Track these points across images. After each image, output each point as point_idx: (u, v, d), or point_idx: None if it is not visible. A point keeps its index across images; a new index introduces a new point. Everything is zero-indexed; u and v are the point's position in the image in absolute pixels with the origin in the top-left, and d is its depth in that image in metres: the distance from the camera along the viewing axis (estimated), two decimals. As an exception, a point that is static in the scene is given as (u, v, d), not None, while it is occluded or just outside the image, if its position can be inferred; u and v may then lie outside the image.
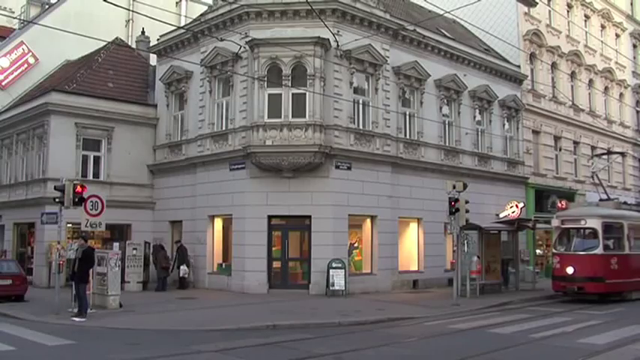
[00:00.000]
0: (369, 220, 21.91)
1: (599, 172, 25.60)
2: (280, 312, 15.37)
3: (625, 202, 24.66)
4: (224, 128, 21.88)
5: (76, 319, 13.88)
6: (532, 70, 31.01)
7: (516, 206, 24.67)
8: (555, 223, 20.19)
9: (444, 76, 24.88)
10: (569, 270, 18.73)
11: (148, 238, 23.27)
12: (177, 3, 35.67)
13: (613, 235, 19.81)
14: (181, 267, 21.70)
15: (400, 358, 10.33)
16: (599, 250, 18.94)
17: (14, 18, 33.96)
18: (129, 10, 29.87)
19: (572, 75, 33.88)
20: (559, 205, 22.30)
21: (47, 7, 33.08)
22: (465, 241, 20.52)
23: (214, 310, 16.08)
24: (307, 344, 11.16)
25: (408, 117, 23.59)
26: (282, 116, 19.98)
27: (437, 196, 21.83)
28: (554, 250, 20.38)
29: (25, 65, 29.38)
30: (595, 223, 19.19)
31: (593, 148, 35.02)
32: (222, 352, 10.39)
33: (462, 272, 19.14)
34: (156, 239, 23.55)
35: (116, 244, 20.93)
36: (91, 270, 15.15)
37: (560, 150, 32.30)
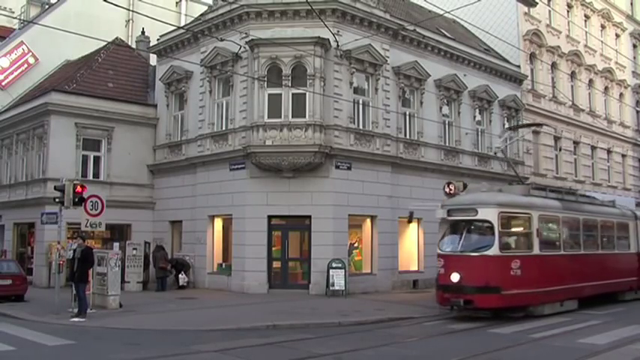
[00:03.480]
0: (369, 220, 21.91)
1: (505, 147, 22.08)
2: (280, 312, 15.37)
3: (575, 193, 19.05)
4: (224, 128, 21.88)
5: (76, 319, 13.87)
6: (532, 70, 31.01)
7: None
8: (440, 214, 15.41)
9: (444, 76, 24.88)
10: (454, 277, 14.09)
11: (148, 238, 23.28)
12: (177, 3, 35.67)
13: (516, 231, 15.26)
14: (180, 275, 21.71)
15: (400, 358, 10.33)
16: (494, 250, 14.14)
17: (14, 18, 33.98)
18: (129, 10, 29.88)
19: (572, 75, 33.88)
20: (447, 189, 16.31)
21: (47, 7, 33.10)
22: None
23: (214, 310, 16.08)
24: (307, 344, 11.16)
25: (408, 117, 23.58)
26: (282, 116, 19.98)
27: (437, 196, 21.67)
28: (438, 251, 15.34)
29: (25, 65, 29.38)
30: (490, 214, 14.41)
31: (593, 148, 35.05)
32: (222, 352, 10.39)
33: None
34: (156, 239, 23.57)
35: (116, 244, 20.94)
36: (91, 270, 15.11)
37: (560, 150, 32.29)
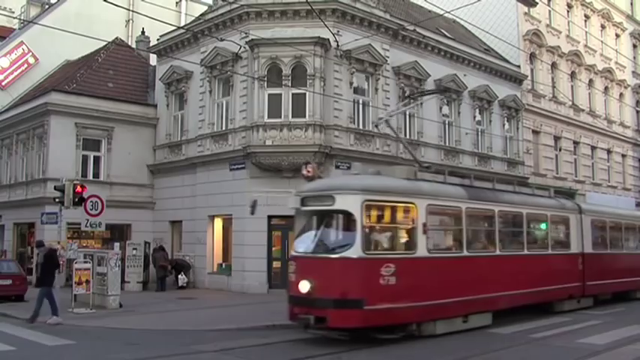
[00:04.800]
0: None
1: (390, 118, 17.77)
2: (280, 312, 15.27)
3: (493, 180, 15.43)
4: (224, 128, 21.89)
5: (51, 321, 13.32)
6: (532, 70, 31.02)
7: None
8: (292, 202, 11.95)
9: (444, 76, 24.89)
10: (303, 287, 10.77)
11: (148, 238, 23.29)
12: (177, 3, 35.68)
13: (391, 225, 11.77)
14: (179, 276, 21.71)
15: (401, 357, 10.33)
16: (355, 251, 10.71)
17: (14, 18, 33.99)
18: (129, 10, 29.89)
19: (572, 75, 33.88)
20: (305, 170, 13.50)
21: (47, 7, 33.11)
22: None
23: (214, 310, 16.08)
24: (307, 344, 11.15)
25: (408, 117, 23.58)
26: (282, 116, 19.99)
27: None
28: (292, 252, 12.08)
29: (25, 65, 29.40)
30: (350, 202, 10.96)
31: (593, 148, 35.05)
32: (222, 352, 10.39)
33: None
34: (156, 240, 23.57)
35: (116, 244, 20.95)
36: (56, 272, 14.53)
37: (560, 150, 32.30)
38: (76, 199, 15.24)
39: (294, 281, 11.19)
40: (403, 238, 11.82)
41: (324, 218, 11.56)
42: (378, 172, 12.28)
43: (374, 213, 11.38)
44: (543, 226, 15.79)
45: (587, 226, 17.13)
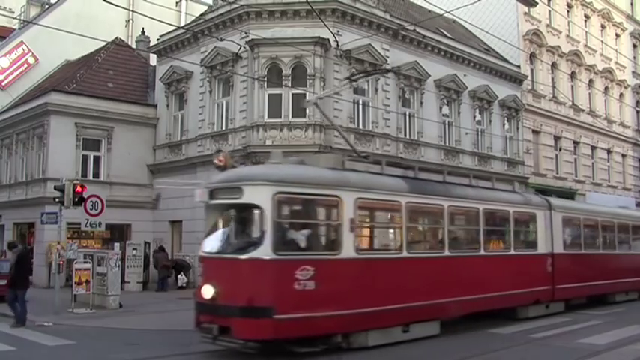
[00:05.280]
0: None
1: (319, 100, 16.33)
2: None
3: (444, 172, 13.55)
4: (224, 128, 21.89)
5: (15, 328, 12.86)
6: (532, 70, 31.02)
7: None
8: (200, 196, 10.56)
9: (444, 76, 24.90)
10: (207, 291, 9.55)
11: (148, 238, 23.29)
12: (177, 3, 35.69)
13: (310, 222, 10.17)
14: (179, 276, 21.70)
15: (401, 357, 10.32)
16: (264, 251, 9.28)
17: (14, 18, 34.00)
18: (129, 10, 29.89)
19: (572, 75, 33.89)
20: (217, 160, 12.41)
21: (47, 7, 33.11)
22: None
23: (214, 310, 16.04)
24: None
25: (408, 117, 23.60)
26: (282, 116, 19.99)
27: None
28: (200, 252, 10.65)
29: (25, 65, 29.40)
30: (259, 195, 9.51)
31: (593, 148, 35.05)
32: (221, 352, 10.37)
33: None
34: (156, 240, 23.57)
35: (116, 244, 20.94)
36: (29, 275, 14.18)
37: (560, 150, 32.30)
38: (76, 199, 15.23)
39: (200, 285, 9.97)
40: (325, 236, 10.38)
41: (232, 213, 10.36)
42: (301, 161, 10.68)
43: (289, 207, 9.99)
44: (505, 223, 14.14)
45: (558, 224, 15.61)
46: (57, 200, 15.54)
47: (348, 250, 10.07)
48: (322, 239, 10.36)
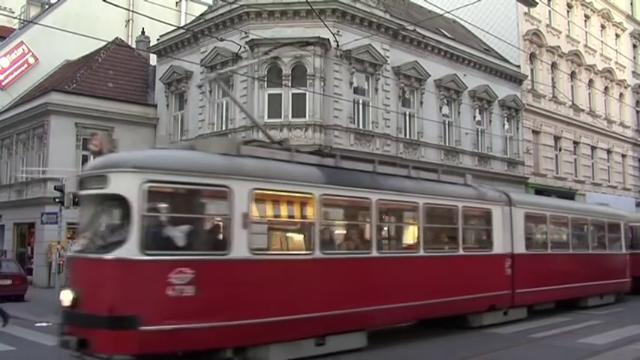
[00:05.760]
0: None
1: (217, 77, 15.46)
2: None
3: (374, 161, 11.72)
4: (224, 128, 21.90)
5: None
6: (532, 70, 31.02)
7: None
8: (70, 186, 10.00)
9: (444, 76, 24.90)
10: (66, 297, 8.02)
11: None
12: (177, 3, 35.69)
13: (191, 216, 8.63)
14: None
15: (401, 357, 10.32)
16: (128, 250, 7.81)
17: (14, 18, 34.01)
18: (129, 10, 29.89)
19: (572, 75, 33.89)
20: (92, 144, 10.43)
21: (47, 7, 33.12)
22: None
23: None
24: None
25: (408, 117, 23.60)
26: (282, 116, 20.00)
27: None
28: (68, 252, 9.18)
29: (25, 65, 29.41)
30: (124, 185, 8.07)
31: (593, 148, 35.05)
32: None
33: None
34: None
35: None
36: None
37: (560, 150, 32.30)
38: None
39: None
40: (211, 233, 8.85)
41: (99, 205, 8.71)
42: (191, 145, 9.37)
43: (163, 199, 8.50)
44: (452, 220, 12.57)
45: (520, 221, 14.13)
46: (57, 200, 15.54)
47: (239, 250, 8.54)
48: (206, 237, 8.75)
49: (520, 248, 13.95)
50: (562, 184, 31.52)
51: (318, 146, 19.58)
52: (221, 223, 8.80)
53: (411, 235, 11.93)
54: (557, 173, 31.90)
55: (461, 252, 12.45)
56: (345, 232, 10.96)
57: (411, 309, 11.11)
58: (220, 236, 8.77)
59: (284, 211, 10.15)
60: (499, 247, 13.35)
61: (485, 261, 13.11)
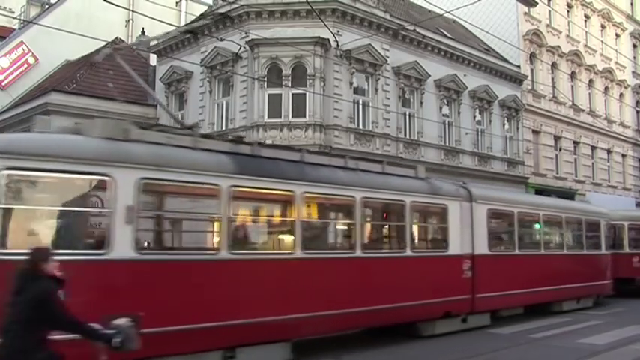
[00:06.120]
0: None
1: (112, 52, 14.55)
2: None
3: (302, 151, 10.67)
4: (224, 128, 21.89)
5: None
6: (532, 70, 31.01)
7: None
8: None
9: (444, 76, 24.90)
10: None
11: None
12: (177, 3, 35.67)
13: (53, 208, 7.71)
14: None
15: (401, 357, 10.33)
16: None
17: (14, 18, 33.98)
18: (129, 10, 29.88)
19: (572, 75, 33.89)
20: None
21: (47, 7, 33.10)
22: None
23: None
24: (306, 344, 11.13)
25: (408, 117, 23.59)
26: (282, 116, 20.00)
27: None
28: None
29: (25, 65, 29.38)
30: None
31: (593, 148, 35.05)
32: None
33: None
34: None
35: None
36: None
37: (560, 150, 32.30)
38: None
39: None
40: (87, 229, 7.91)
41: None
42: (77, 129, 8.22)
43: (26, 189, 7.46)
44: (398, 217, 11.50)
45: (482, 219, 13.05)
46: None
47: (122, 249, 7.50)
48: (82, 234, 7.77)
49: (482, 248, 12.90)
50: (562, 184, 31.51)
51: (318, 146, 19.60)
52: (101, 218, 7.71)
53: (346, 233, 10.76)
54: (557, 173, 31.90)
55: (409, 252, 11.24)
56: (262, 229, 9.96)
57: (346, 316, 9.82)
58: (98, 232, 7.71)
59: (183, 204, 9.14)
60: (456, 247, 12.28)
61: (439, 262, 11.97)
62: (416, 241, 11.79)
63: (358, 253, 10.29)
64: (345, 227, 10.84)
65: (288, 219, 9.65)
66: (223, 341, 8.38)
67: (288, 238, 9.62)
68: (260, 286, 8.75)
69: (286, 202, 9.59)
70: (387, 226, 11.92)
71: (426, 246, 12.34)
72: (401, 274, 10.98)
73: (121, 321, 5.29)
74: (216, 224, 8.70)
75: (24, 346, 4.71)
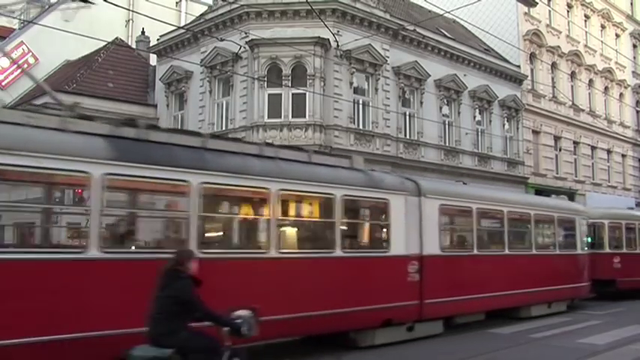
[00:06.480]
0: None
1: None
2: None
3: (195, 133, 10.26)
4: (224, 128, 21.89)
5: None
6: (532, 70, 31.01)
7: None
8: None
9: (444, 76, 24.90)
10: None
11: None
12: (177, 3, 35.65)
13: None
14: None
15: (402, 358, 10.32)
16: None
17: (14, 18, 33.97)
18: (129, 10, 29.87)
19: (572, 75, 33.89)
20: None
21: (47, 7, 33.09)
22: None
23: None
24: (305, 344, 11.13)
25: (408, 117, 23.60)
26: (282, 116, 20.01)
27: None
28: None
29: (25, 65, 29.37)
30: None
31: (593, 148, 35.05)
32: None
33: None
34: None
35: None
36: None
37: (560, 150, 32.30)
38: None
39: None
40: None
41: None
42: None
43: None
44: (326, 213, 10.03)
45: (433, 215, 11.67)
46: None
47: None
48: None
49: (432, 248, 11.55)
50: (562, 184, 31.51)
51: (318, 146, 19.60)
52: None
53: (258, 231, 9.32)
54: (557, 173, 31.90)
55: (338, 253, 9.78)
56: (148, 225, 8.61)
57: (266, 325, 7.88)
58: None
59: (43, 194, 7.93)
60: (400, 246, 10.82)
61: (378, 264, 10.54)
62: (348, 240, 10.30)
63: (273, 253, 8.89)
64: (258, 224, 9.30)
65: (181, 214, 8.29)
66: (80, 357, 6.92)
67: (180, 236, 8.26)
68: (138, 290, 6.72)
69: (180, 194, 8.20)
70: (311, 223, 10.38)
71: (362, 246, 10.99)
72: (328, 277, 9.58)
73: (243, 312, 6.12)
74: (85, 217, 7.35)
75: (168, 331, 5.67)
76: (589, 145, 34.61)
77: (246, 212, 9.75)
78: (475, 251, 12.74)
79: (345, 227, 10.16)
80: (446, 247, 12.22)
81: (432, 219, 11.66)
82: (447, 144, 25.13)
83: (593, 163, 34.99)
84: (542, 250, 15.00)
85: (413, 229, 11.14)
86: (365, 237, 11.19)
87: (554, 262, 15.27)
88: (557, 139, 32.20)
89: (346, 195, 10.04)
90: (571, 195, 30.73)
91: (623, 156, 37.90)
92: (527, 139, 29.71)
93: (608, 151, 36.49)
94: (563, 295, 15.61)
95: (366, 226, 11.25)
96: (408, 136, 23.46)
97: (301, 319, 9.01)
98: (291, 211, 9.85)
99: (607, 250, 18.97)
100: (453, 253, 12.49)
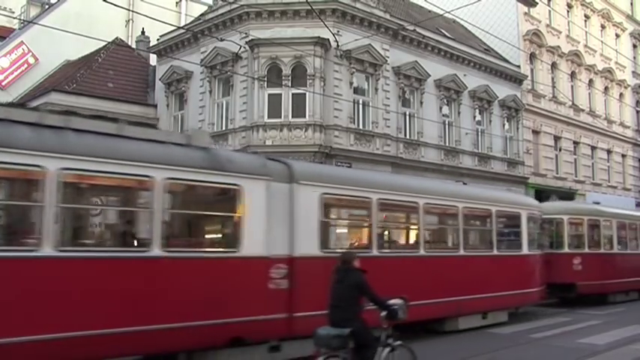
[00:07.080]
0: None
1: None
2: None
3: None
4: (224, 128, 21.89)
5: None
6: (532, 70, 31.01)
7: None
8: None
9: (444, 76, 24.90)
10: None
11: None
12: (177, 3, 35.66)
13: None
14: None
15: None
16: None
17: (14, 18, 33.98)
18: (129, 10, 29.88)
19: (572, 75, 33.88)
20: None
21: (47, 7, 33.10)
22: None
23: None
24: (305, 344, 11.12)
25: (408, 117, 23.60)
26: (282, 116, 20.01)
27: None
28: None
29: (25, 65, 29.37)
30: None
31: (593, 148, 35.06)
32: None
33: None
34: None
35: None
36: None
37: (560, 150, 32.30)
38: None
39: None
40: None
41: None
42: None
43: None
44: (140, 201, 8.23)
45: (311, 207, 9.38)
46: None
47: None
48: None
49: (309, 248, 9.25)
50: (562, 184, 31.53)
51: (318, 146, 19.60)
52: None
53: (28, 219, 7.14)
54: (557, 173, 31.90)
55: (156, 252, 7.57)
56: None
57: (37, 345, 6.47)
58: None
59: None
60: (256, 246, 8.58)
61: (221, 267, 8.31)
62: (173, 236, 8.04)
63: (47, 251, 6.67)
64: (28, 211, 7.12)
65: (33, 203, 6.96)
66: None
67: (33, 231, 6.88)
68: None
69: (30, 182, 7.00)
70: (112, 213, 8.33)
71: (199, 243, 8.77)
72: (141, 285, 7.40)
73: (397, 300, 7.20)
74: None
75: (348, 316, 6.79)
76: (589, 145, 34.61)
77: (8, 196, 7.43)
78: (374, 252, 10.33)
79: (168, 219, 7.87)
80: (330, 247, 9.78)
81: (310, 211, 9.33)
82: (447, 144, 25.13)
83: (593, 163, 35.00)
84: (472, 251, 12.74)
85: (279, 224, 8.88)
86: (203, 233, 9.00)
87: (490, 264, 12.90)
88: (557, 139, 32.20)
89: (172, 178, 7.83)
90: (571, 195, 30.77)
91: (623, 156, 37.91)
92: (527, 139, 29.71)
93: (608, 151, 36.49)
94: (502, 303, 13.24)
95: (207, 218, 8.85)
96: (408, 136, 23.46)
97: (90, 340, 6.80)
98: (83, 197, 7.72)
99: (566, 249, 16.87)
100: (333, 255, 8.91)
